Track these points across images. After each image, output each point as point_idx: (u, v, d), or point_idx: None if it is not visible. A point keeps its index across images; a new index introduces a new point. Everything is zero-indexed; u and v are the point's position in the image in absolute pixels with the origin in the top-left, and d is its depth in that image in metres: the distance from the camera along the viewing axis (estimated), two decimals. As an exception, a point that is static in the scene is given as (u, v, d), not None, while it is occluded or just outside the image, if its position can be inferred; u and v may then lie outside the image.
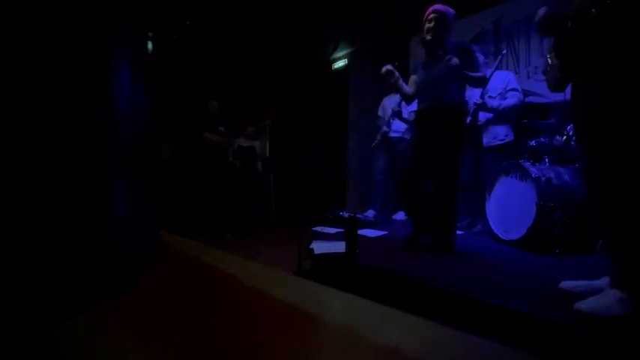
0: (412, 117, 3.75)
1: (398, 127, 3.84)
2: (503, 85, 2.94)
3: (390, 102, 3.95)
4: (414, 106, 3.77)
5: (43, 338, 0.82)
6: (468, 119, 2.98)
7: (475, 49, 2.95)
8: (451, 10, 2.31)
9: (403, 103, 3.69)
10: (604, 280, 1.38)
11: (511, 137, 2.93)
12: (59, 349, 0.78)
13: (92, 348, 0.79)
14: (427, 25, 2.27)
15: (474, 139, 3.02)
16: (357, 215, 3.73)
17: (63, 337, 0.82)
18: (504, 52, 3.23)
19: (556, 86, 1.47)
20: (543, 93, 3.02)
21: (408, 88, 2.46)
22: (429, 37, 2.28)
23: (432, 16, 2.26)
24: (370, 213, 3.91)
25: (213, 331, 0.82)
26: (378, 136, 3.96)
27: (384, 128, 3.88)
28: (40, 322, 0.87)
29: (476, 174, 3.02)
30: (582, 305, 1.23)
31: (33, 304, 0.88)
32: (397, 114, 3.74)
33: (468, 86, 2.38)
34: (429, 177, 2.30)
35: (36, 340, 0.82)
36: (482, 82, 2.37)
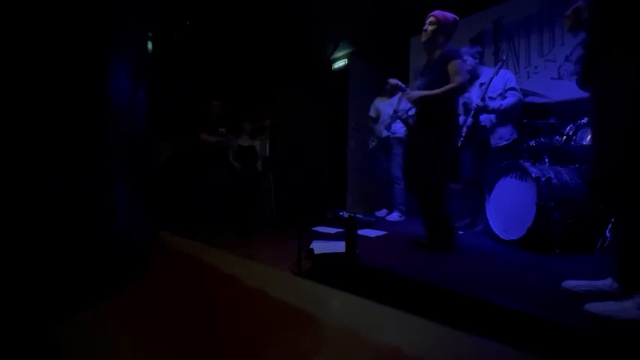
0: (411, 120, 3.76)
1: (397, 129, 3.83)
2: (502, 84, 2.94)
3: (385, 106, 3.93)
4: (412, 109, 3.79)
5: (43, 338, 0.82)
6: (470, 120, 2.98)
7: (464, 51, 2.97)
8: (450, 17, 2.30)
9: (401, 107, 3.71)
10: (607, 281, 1.37)
11: (515, 136, 2.92)
12: (59, 349, 0.78)
13: (92, 348, 0.79)
14: (423, 29, 2.33)
15: (478, 140, 3.01)
16: (386, 217, 3.77)
17: (63, 337, 0.82)
18: (504, 58, 3.21)
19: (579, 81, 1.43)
20: (543, 93, 3.02)
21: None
22: (423, 40, 2.35)
23: (429, 20, 2.31)
24: (395, 215, 3.85)
25: (213, 330, 0.82)
26: (376, 140, 3.95)
27: (385, 132, 3.86)
28: (40, 322, 0.87)
29: (481, 175, 3.01)
30: (596, 307, 1.21)
31: (33, 304, 0.88)
32: (399, 118, 3.73)
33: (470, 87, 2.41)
34: (419, 180, 2.34)
35: (36, 340, 0.82)
36: (456, 92, 2.26)
